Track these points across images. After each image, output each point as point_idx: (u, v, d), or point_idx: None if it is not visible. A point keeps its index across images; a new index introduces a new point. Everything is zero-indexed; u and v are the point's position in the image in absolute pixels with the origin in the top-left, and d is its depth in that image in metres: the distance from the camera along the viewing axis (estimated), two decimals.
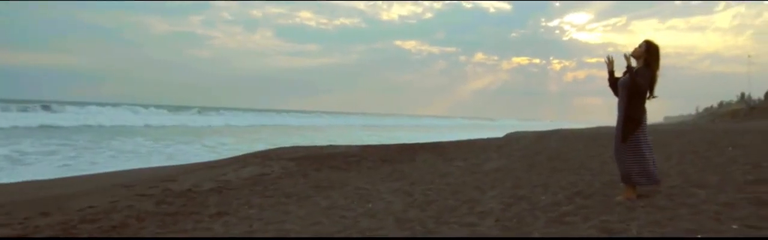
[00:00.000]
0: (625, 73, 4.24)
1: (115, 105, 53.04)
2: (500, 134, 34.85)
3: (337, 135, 29.81)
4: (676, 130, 19.37)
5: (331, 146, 15.59)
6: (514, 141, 13.76)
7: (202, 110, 59.96)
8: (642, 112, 4.14)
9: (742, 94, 75.25)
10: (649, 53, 4.10)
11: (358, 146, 14.90)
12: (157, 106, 57.92)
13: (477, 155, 10.29)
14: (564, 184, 5.31)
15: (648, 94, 4.14)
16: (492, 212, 4.13)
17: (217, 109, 65.67)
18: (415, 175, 7.63)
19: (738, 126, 28.92)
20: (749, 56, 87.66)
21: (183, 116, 45.51)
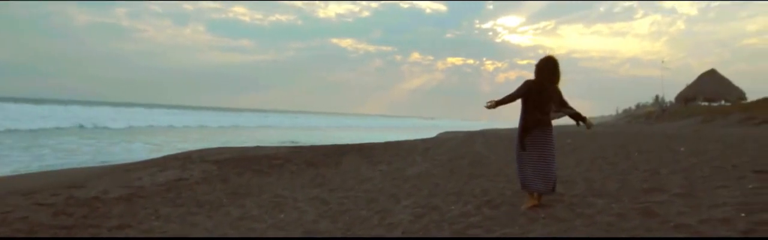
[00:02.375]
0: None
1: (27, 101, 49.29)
2: (433, 134, 35.54)
3: (269, 135, 29.22)
4: (595, 131, 20.36)
5: (258, 147, 15.22)
6: (442, 143, 13.98)
7: (124, 105, 56.92)
8: (527, 120, 4.30)
9: (657, 97, 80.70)
10: (536, 67, 4.35)
11: (287, 148, 14.64)
12: (72, 102, 54.38)
13: (403, 158, 10.36)
14: (477, 193, 5.41)
15: (537, 104, 4.28)
16: (401, 224, 4.13)
17: (148, 106, 62.69)
18: (337, 181, 7.57)
19: (650, 128, 30.88)
20: (662, 62, 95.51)
21: (98, 113, 43.02)
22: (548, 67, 4.33)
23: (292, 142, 20.75)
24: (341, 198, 5.88)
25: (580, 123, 4.64)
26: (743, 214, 3.42)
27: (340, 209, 5.18)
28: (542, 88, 4.30)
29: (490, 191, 5.47)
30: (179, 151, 13.60)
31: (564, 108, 4.44)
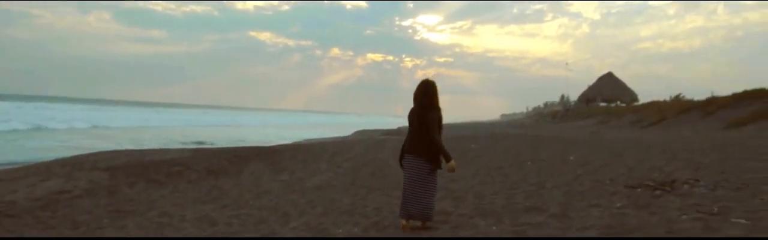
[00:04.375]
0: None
1: None
2: (350, 131, 35.53)
3: (175, 133, 27.84)
4: (503, 133, 21.23)
5: (159, 151, 14.43)
6: (351, 147, 13.95)
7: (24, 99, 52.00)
8: (403, 143, 4.38)
9: (562, 96, 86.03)
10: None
11: (190, 151, 13.96)
12: None
13: (308, 166, 10.20)
14: (369, 211, 5.40)
15: (411, 129, 4.34)
16: None
17: (46, 99, 57.54)
18: (233, 194, 7.30)
19: (555, 128, 32.78)
20: (567, 64, 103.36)
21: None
22: (415, 93, 4.28)
23: (199, 143, 19.89)
24: (231, 217, 5.66)
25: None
26: None
27: (226, 231, 4.97)
28: (413, 114, 4.29)
29: (382, 209, 5.48)
30: (74, 154, 12.63)
31: (432, 138, 4.18)
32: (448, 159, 4.19)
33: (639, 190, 5.70)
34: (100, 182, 8.71)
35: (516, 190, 6.25)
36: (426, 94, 4.23)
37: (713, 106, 23.34)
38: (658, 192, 5.53)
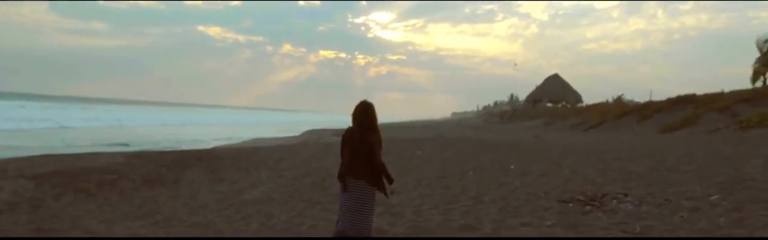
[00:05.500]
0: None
1: None
2: (299, 131, 35.10)
3: (115, 134, 26.68)
4: (450, 137, 21.46)
5: (92, 156, 13.75)
6: (297, 152, 13.76)
7: None
8: (340, 165, 4.25)
9: (511, 96, 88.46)
10: None
11: (126, 156, 13.38)
12: None
13: (249, 174, 9.98)
14: (305, 229, 5.31)
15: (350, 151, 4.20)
16: None
17: None
18: (167, 209, 7.03)
19: (503, 128, 33.52)
20: (515, 64, 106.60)
21: None
22: (354, 114, 4.19)
23: (139, 146, 19.08)
24: (162, 235, 5.44)
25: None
26: None
27: None
28: (352, 135, 4.17)
29: (318, 227, 5.40)
30: None
31: (376, 161, 4.09)
32: (390, 181, 4.15)
33: (571, 205, 5.87)
34: (23, 193, 8.21)
35: (454, 204, 6.31)
36: (366, 114, 4.16)
37: (650, 110, 24.48)
38: (588, 207, 5.71)
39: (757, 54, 26.83)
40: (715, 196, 5.82)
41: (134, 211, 6.99)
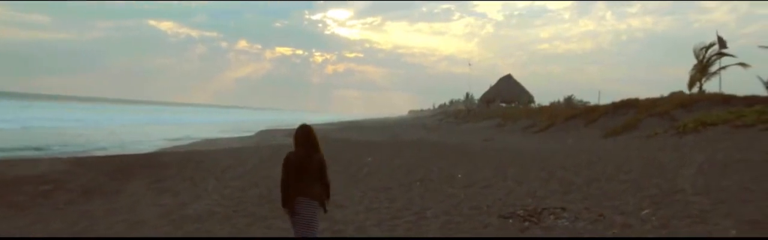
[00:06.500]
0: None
1: None
2: (254, 131, 34.52)
3: (56, 135, 25.49)
4: (404, 141, 21.60)
5: (29, 162, 13.14)
6: (248, 158, 13.56)
7: None
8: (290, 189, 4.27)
9: (467, 94, 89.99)
10: None
11: (66, 162, 12.86)
12: None
13: (194, 184, 9.74)
14: None
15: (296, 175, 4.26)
16: None
17: None
18: (103, 226, 6.75)
19: (457, 129, 34.00)
20: (470, 64, 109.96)
21: None
22: (296, 137, 4.32)
23: (83, 150, 18.27)
24: None
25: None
26: None
27: None
28: (302, 158, 4.24)
29: None
30: None
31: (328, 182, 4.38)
32: (327, 198, 4.37)
33: (510, 221, 6.01)
34: None
35: (398, 220, 6.35)
36: (310, 137, 4.32)
37: (596, 113, 25.37)
38: (526, 224, 5.87)
39: (695, 60, 28.19)
40: (646, 211, 6.09)
41: (67, 229, 6.69)
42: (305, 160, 4.23)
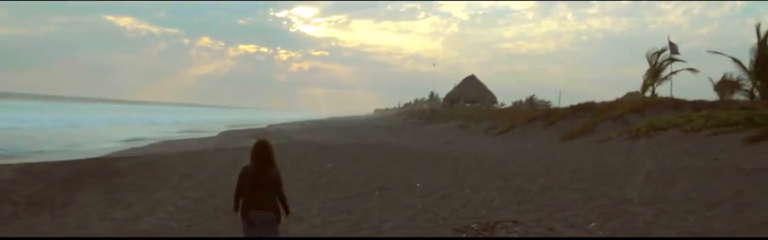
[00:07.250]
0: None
1: None
2: (216, 132, 33.90)
3: (7, 135, 24.40)
4: (368, 143, 21.62)
5: None
6: (206, 163, 13.31)
7: None
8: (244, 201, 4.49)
9: (432, 93, 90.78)
10: None
11: (14, 169, 12.31)
12: None
13: (149, 195, 9.52)
14: None
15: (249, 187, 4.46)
16: None
17: None
18: None
19: (421, 130, 34.14)
20: (433, 64, 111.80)
21: None
22: (254, 152, 4.49)
23: (31, 155, 17.58)
24: None
25: None
26: None
27: None
28: (257, 172, 4.42)
29: None
30: None
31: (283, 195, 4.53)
32: (287, 213, 4.57)
33: (464, 235, 6.12)
34: None
35: (355, 234, 6.38)
36: (268, 152, 4.48)
37: (555, 116, 25.98)
38: (479, 237, 5.98)
39: (647, 66, 29.20)
40: (593, 224, 6.30)
41: None
42: (260, 175, 4.40)
